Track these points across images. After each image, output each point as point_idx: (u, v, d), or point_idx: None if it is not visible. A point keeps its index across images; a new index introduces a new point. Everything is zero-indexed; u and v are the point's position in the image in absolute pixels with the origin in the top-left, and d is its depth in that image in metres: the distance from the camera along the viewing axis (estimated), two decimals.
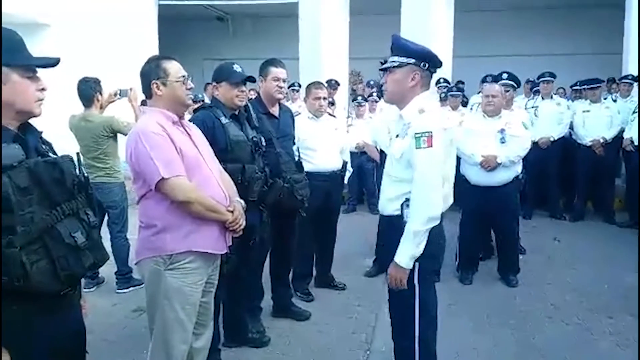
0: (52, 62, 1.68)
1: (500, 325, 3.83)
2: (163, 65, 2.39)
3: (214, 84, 3.10)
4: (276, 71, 3.56)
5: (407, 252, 2.34)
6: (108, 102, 4.67)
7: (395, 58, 2.45)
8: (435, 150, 2.32)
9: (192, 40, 12.58)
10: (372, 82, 8.19)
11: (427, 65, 2.43)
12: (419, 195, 2.33)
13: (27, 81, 1.62)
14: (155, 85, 2.38)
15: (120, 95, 4.61)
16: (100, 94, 4.48)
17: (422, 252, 2.34)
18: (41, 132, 1.74)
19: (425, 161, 2.31)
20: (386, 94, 2.62)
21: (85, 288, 2.31)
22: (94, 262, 1.71)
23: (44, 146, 1.70)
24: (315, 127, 4.28)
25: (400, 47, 2.47)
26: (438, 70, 2.54)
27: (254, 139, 3.13)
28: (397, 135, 2.52)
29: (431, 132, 2.30)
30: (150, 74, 2.39)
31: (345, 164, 4.57)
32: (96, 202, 1.80)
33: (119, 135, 4.50)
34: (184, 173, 2.29)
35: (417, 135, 2.32)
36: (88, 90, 4.43)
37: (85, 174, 1.76)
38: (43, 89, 1.67)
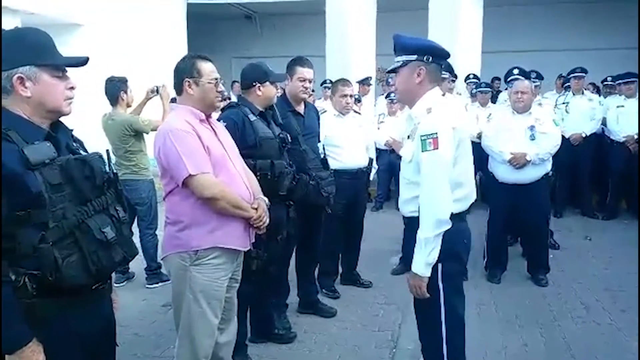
0: (81, 61, 1.69)
1: (529, 325, 3.77)
2: (198, 65, 2.42)
3: (257, 83, 3.10)
4: (302, 71, 3.57)
5: (421, 260, 2.26)
6: (146, 100, 4.75)
7: (399, 57, 2.40)
8: (442, 152, 2.22)
9: (220, 38, 12.71)
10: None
11: (430, 58, 2.35)
12: (426, 201, 2.25)
13: (56, 80, 1.64)
14: (187, 84, 2.41)
15: (157, 92, 4.69)
16: (126, 92, 4.55)
17: (437, 257, 2.25)
18: (72, 130, 1.77)
19: (431, 164, 2.23)
20: (397, 95, 2.58)
21: (115, 283, 2.36)
22: (124, 257, 1.74)
23: (74, 144, 1.74)
24: (341, 125, 4.28)
25: (402, 45, 2.40)
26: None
27: (280, 135, 3.15)
28: (409, 137, 2.43)
29: (436, 133, 2.22)
30: (185, 71, 2.42)
31: (371, 161, 4.56)
32: (126, 199, 1.83)
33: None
34: (211, 170, 2.32)
35: (422, 138, 2.24)
36: (113, 89, 4.51)
37: (115, 171, 1.79)
38: (72, 88, 1.69)
